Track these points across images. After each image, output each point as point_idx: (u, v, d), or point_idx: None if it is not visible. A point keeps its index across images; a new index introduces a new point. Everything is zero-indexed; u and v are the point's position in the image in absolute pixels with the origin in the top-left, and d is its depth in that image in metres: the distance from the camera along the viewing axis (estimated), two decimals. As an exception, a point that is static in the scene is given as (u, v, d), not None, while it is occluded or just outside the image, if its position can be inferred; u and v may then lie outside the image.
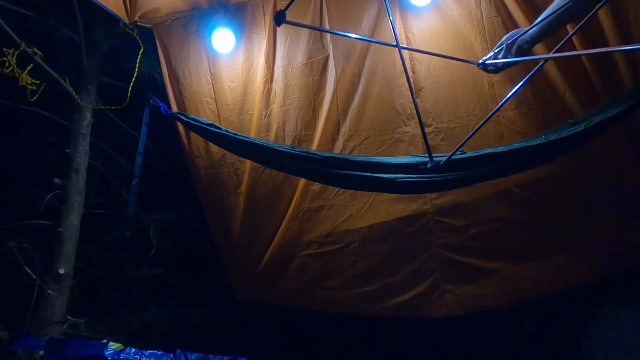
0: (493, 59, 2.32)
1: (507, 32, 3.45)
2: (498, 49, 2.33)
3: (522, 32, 2.25)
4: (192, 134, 4.24)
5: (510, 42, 2.28)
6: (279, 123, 4.06)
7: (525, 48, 2.24)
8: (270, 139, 4.02)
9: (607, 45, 3.23)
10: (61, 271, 4.34)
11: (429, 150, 2.76)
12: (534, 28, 2.20)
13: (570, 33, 2.03)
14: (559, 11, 2.05)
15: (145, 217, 5.36)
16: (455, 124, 3.75)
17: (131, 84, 4.25)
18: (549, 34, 2.22)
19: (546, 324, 4.90)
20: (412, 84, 3.79)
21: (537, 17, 3.31)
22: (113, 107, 4.76)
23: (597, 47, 3.28)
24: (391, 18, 2.57)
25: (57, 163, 4.78)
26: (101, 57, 4.93)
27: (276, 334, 5.59)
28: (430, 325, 4.42)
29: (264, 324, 5.50)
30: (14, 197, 5.08)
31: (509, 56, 2.27)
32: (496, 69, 2.37)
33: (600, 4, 1.67)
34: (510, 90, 3.56)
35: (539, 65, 2.40)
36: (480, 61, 2.35)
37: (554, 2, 2.13)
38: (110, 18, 4.14)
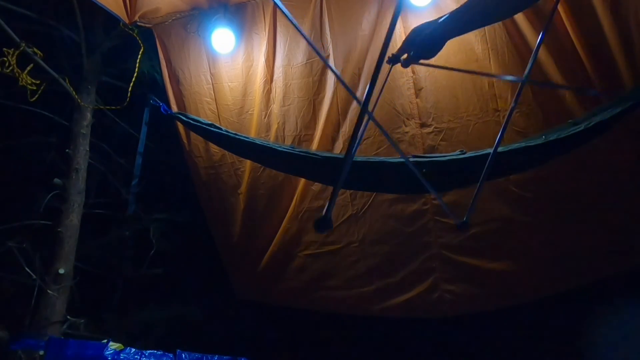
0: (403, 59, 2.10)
1: (507, 32, 3.50)
2: (406, 52, 2.11)
3: (429, 28, 2.06)
4: (192, 134, 4.24)
5: (420, 40, 2.05)
6: (279, 123, 4.06)
7: (435, 49, 2.05)
8: (270, 139, 4.02)
9: (607, 46, 3.24)
10: (61, 271, 4.34)
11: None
12: (439, 28, 2.01)
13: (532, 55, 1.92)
14: (464, 13, 1.90)
15: (145, 217, 5.35)
16: (455, 124, 3.75)
17: (131, 84, 4.25)
18: (455, 35, 2.07)
19: (546, 324, 4.90)
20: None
21: (536, 16, 3.33)
22: (113, 107, 4.76)
23: (597, 47, 3.29)
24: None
25: (57, 163, 4.78)
26: (101, 57, 4.93)
27: (276, 334, 5.59)
28: (430, 325, 4.42)
29: (264, 324, 5.49)
30: (14, 197, 5.08)
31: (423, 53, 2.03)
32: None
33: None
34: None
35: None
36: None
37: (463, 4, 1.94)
38: (110, 18, 4.13)
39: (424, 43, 2.02)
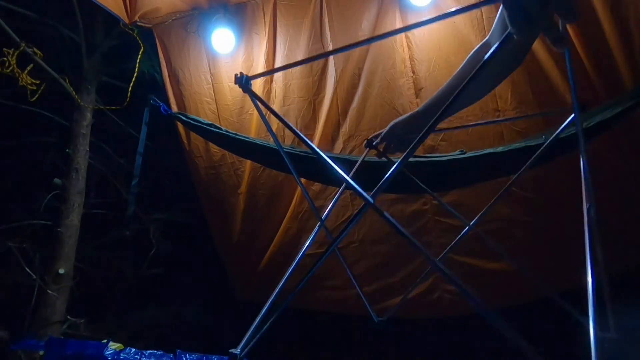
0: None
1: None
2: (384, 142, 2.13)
3: (406, 123, 2.08)
4: (192, 134, 4.24)
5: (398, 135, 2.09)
6: (279, 123, 4.06)
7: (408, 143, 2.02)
8: (270, 139, 4.02)
9: (608, 47, 3.23)
10: (61, 271, 4.34)
11: None
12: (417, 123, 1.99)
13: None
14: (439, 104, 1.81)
15: (145, 217, 5.35)
16: (455, 124, 3.75)
17: (131, 84, 4.25)
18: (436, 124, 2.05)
19: (547, 325, 4.89)
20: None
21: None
22: (113, 107, 4.76)
23: (597, 48, 3.29)
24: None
25: (57, 163, 4.79)
26: (101, 57, 4.94)
27: (276, 334, 5.59)
28: (430, 326, 4.41)
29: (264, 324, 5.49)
30: (14, 197, 5.09)
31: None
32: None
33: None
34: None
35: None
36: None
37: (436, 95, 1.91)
38: (110, 18, 4.13)
39: (402, 139, 2.08)
